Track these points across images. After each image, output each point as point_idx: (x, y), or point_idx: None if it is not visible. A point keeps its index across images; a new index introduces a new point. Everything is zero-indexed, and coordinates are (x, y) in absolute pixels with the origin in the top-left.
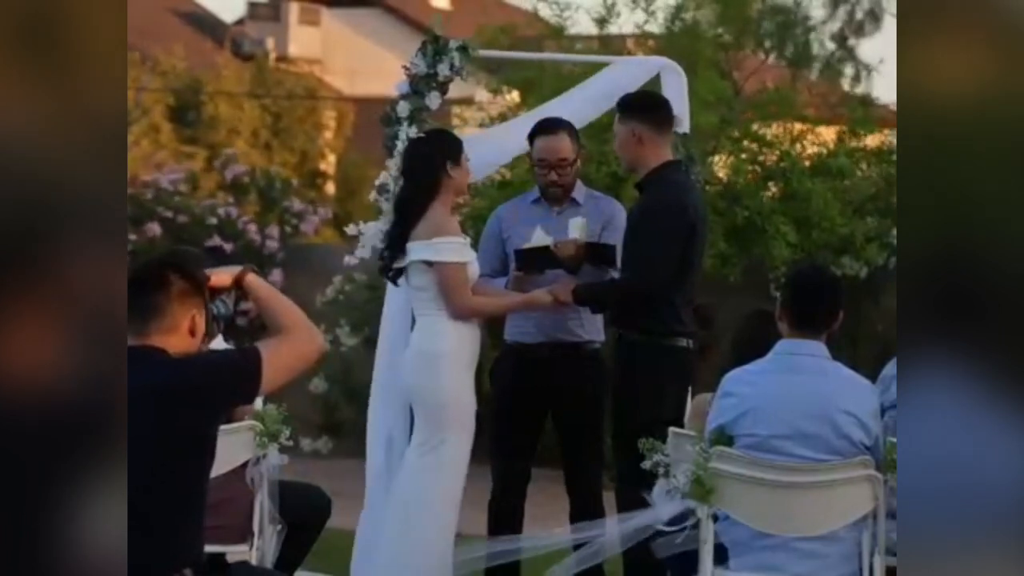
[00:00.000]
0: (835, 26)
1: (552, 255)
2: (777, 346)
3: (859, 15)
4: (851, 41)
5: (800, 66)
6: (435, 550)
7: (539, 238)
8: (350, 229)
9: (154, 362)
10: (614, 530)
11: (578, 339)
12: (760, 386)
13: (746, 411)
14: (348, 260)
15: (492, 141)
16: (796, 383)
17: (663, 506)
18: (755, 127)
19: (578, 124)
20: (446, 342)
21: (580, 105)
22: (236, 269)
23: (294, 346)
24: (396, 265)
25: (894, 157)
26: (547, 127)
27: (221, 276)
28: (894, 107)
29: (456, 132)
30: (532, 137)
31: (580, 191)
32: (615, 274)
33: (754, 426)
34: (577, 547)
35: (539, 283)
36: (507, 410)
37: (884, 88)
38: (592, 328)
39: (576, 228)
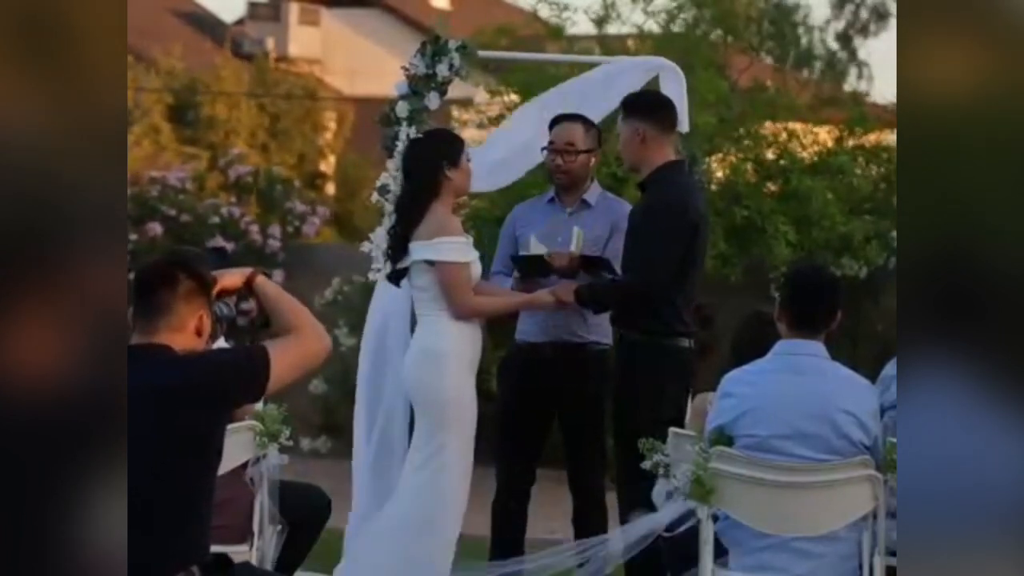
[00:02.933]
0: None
1: (547, 264)
2: (776, 346)
3: (863, 15)
4: (856, 41)
5: (799, 65)
6: (439, 559)
7: (534, 247)
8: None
9: (161, 360)
10: (617, 542)
11: (582, 340)
12: (760, 386)
13: (746, 411)
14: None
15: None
16: (795, 383)
17: (664, 510)
18: (754, 128)
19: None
20: (448, 341)
21: (579, 104)
22: (246, 271)
23: (302, 345)
24: (398, 266)
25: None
26: (565, 116)
27: (232, 278)
28: (893, 106)
29: (457, 132)
30: (551, 128)
31: (593, 193)
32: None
33: (754, 426)
34: (581, 565)
35: (543, 283)
36: (512, 410)
37: (884, 87)
38: (597, 329)
39: (573, 239)
